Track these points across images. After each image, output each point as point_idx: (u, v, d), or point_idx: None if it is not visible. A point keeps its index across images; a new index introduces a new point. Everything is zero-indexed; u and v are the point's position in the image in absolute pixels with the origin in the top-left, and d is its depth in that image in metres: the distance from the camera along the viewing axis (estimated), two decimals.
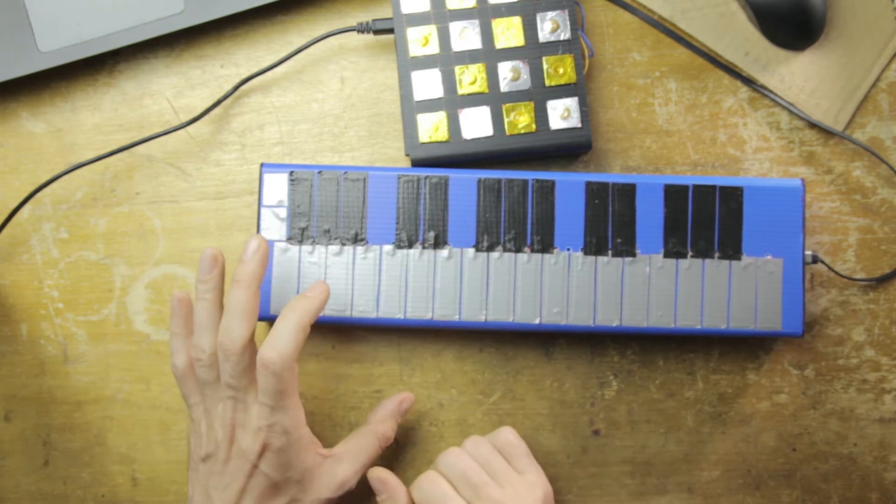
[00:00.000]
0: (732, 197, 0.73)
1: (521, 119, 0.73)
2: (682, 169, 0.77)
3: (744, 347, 0.76)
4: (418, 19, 0.74)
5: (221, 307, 0.68)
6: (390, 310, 0.72)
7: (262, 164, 0.73)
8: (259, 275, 0.67)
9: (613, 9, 0.78)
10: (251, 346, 0.66)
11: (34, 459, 0.77)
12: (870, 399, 0.76)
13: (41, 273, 0.77)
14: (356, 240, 0.73)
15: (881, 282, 0.76)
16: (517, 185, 0.73)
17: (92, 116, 0.78)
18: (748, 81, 0.77)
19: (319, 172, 0.73)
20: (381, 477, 0.71)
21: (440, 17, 0.74)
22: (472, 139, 0.73)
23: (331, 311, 0.72)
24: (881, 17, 0.77)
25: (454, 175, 0.73)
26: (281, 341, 0.65)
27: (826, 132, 0.77)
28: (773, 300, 0.72)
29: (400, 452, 0.76)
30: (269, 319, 0.72)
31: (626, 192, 0.73)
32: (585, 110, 0.73)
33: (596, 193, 0.73)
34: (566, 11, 0.74)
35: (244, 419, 0.66)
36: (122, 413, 0.77)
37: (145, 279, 0.77)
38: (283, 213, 0.73)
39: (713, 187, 0.73)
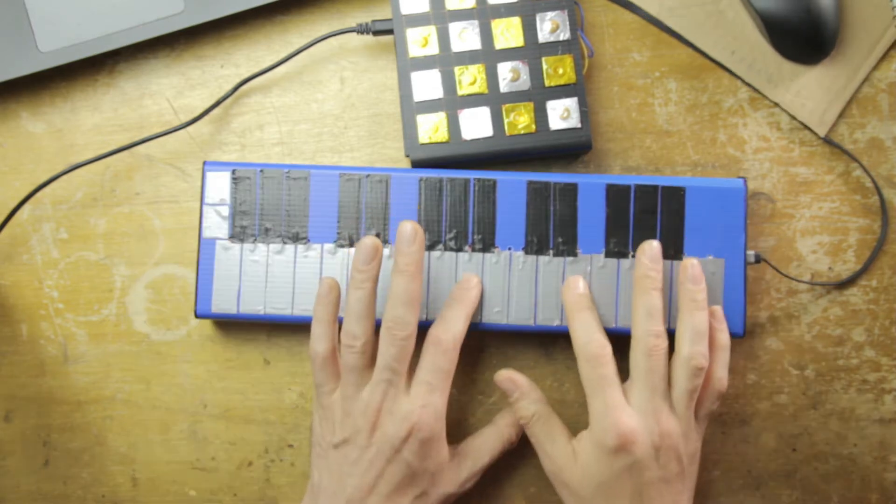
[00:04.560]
0: (674, 197, 0.73)
1: (520, 119, 0.73)
2: (681, 169, 0.77)
3: (743, 347, 0.76)
4: (418, 20, 0.74)
5: (375, 297, 0.69)
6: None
7: (204, 163, 0.74)
8: (421, 262, 0.69)
9: (613, 9, 0.78)
10: (414, 334, 0.68)
11: (34, 459, 0.77)
12: (870, 399, 0.76)
13: (41, 273, 0.77)
14: (297, 238, 0.73)
15: (840, 286, 0.77)
16: (459, 184, 0.73)
17: (92, 116, 0.78)
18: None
19: (262, 171, 0.73)
20: (510, 377, 0.72)
21: (439, 17, 0.74)
22: (472, 140, 0.73)
23: (272, 309, 0.73)
24: (871, 18, 0.77)
25: (395, 174, 0.73)
26: (451, 324, 0.69)
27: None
28: (715, 300, 0.72)
29: None
30: (213, 317, 0.73)
31: (568, 192, 0.73)
32: (585, 110, 0.73)
33: (537, 193, 0.73)
34: (566, 12, 0.74)
35: (392, 406, 0.67)
36: (122, 413, 0.77)
37: (145, 279, 0.77)
38: (225, 211, 0.73)
39: (655, 187, 0.73)
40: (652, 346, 0.68)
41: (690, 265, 0.70)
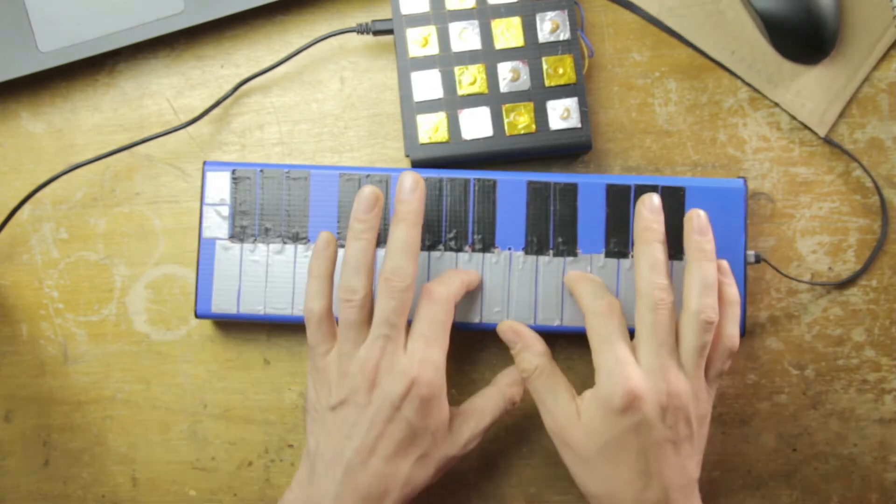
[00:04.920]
0: (675, 197, 0.72)
1: (520, 119, 0.73)
2: (681, 169, 0.77)
3: (743, 347, 0.76)
4: (418, 20, 0.74)
5: (375, 249, 0.67)
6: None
7: (204, 163, 0.74)
8: (421, 212, 0.67)
9: (613, 9, 0.78)
10: (414, 286, 0.66)
11: (34, 459, 0.77)
12: (870, 399, 0.76)
13: (41, 273, 0.77)
14: (297, 238, 0.73)
15: (840, 286, 0.77)
16: (459, 184, 0.73)
17: (92, 116, 0.78)
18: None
19: (262, 171, 0.73)
20: (514, 328, 0.70)
21: (439, 17, 0.74)
22: (472, 140, 0.73)
23: (272, 309, 0.73)
24: (871, 18, 0.77)
25: (395, 174, 0.73)
26: (446, 280, 0.69)
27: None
28: None
29: None
30: (213, 317, 0.73)
31: (568, 192, 0.73)
32: (585, 110, 0.73)
33: (537, 193, 0.73)
34: (566, 12, 0.74)
35: (390, 363, 0.65)
36: (122, 413, 0.77)
37: (145, 279, 0.77)
38: (225, 211, 0.73)
39: (655, 187, 0.73)
40: (657, 300, 0.65)
41: (696, 215, 0.68)
